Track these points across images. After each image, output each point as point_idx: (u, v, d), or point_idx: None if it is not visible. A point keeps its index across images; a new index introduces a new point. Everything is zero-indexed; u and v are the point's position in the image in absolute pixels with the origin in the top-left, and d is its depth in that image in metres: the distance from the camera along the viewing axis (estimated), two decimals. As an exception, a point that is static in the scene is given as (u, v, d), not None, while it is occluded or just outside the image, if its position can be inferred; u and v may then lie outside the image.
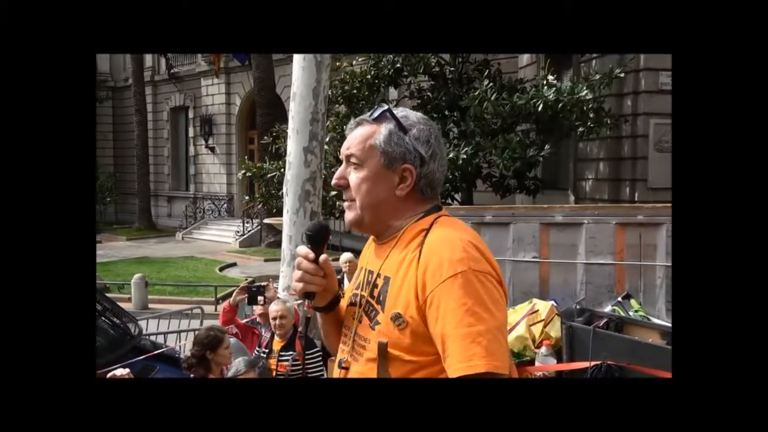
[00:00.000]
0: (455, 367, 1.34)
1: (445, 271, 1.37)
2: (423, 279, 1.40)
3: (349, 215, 1.57)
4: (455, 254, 1.39)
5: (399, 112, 1.56)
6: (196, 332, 4.27)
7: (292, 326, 4.64)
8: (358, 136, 1.54)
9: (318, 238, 1.58)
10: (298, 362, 4.53)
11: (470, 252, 1.40)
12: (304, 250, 1.57)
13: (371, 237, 1.64)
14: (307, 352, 4.48)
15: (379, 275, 1.52)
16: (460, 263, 1.38)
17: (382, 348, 1.44)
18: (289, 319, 4.59)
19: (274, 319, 4.57)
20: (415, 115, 1.57)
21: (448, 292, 1.36)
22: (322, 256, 1.56)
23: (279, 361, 4.51)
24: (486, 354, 1.32)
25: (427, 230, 1.48)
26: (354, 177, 1.54)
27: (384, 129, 1.52)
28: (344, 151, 1.57)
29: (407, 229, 1.52)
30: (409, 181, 1.52)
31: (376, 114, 1.55)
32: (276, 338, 4.60)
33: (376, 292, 1.51)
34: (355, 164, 1.54)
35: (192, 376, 3.94)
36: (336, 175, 1.58)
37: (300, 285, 1.56)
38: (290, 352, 4.55)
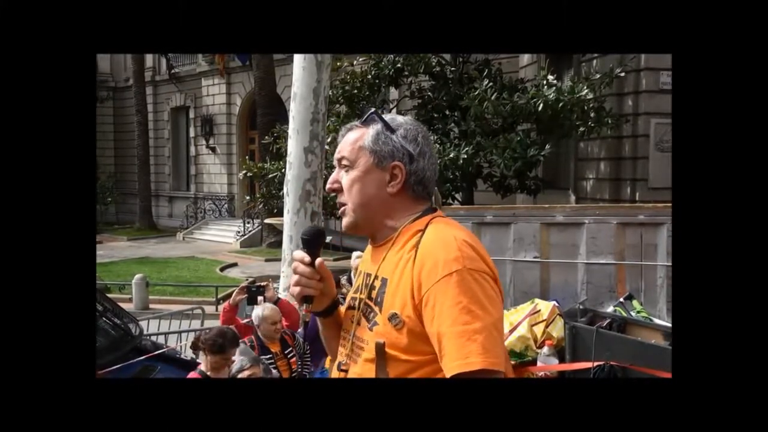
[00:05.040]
0: (451, 365, 1.35)
1: (441, 270, 1.39)
2: (419, 279, 1.42)
3: (344, 219, 1.60)
4: (450, 253, 1.40)
5: (387, 115, 1.61)
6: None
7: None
8: (348, 140, 1.59)
9: (314, 242, 1.60)
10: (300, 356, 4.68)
11: (465, 251, 1.41)
12: (299, 254, 1.58)
13: (369, 241, 1.65)
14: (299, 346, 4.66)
15: (376, 277, 1.54)
16: (455, 262, 1.39)
17: (380, 348, 1.45)
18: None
19: (274, 323, 4.59)
20: (402, 117, 1.62)
21: (444, 291, 1.38)
22: (318, 260, 1.57)
23: (289, 359, 4.58)
24: (482, 351, 1.33)
25: (423, 231, 1.49)
26: (346, 179, 1.57)
27: (372, 130, 1.57)
28: (336, 155, 1.61)
29: (402, 230, 1.54)
30: (399, 179, 1.54)
31: (364, 117, 1.60)
32: (267, 342, 4.60)
33: (373, 294, 1.53)
34: (346, 166, 1.58)
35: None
36: (330, 180, 1.62)
37: (297, 289, 1.58)
38: (289, 349, 4.62)
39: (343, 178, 1.58)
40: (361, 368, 1.51)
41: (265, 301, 5.06)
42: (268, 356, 4.48)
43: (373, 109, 1.61)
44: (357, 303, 1.58)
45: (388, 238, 1.56)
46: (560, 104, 8.78)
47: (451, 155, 9.13)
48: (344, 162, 1.57)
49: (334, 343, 1.69)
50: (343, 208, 1.58)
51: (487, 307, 1.37)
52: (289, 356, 4.61)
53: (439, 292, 1.38)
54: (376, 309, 1.50)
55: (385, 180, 1.54)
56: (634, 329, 4.87)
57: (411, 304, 1.42)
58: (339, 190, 1.59)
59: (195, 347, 4.67)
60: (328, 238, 9.21)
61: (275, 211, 12.11)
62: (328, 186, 1.62)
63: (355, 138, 1.57)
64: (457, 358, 1.34)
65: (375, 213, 1.56)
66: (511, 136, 9.28)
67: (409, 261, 1.45)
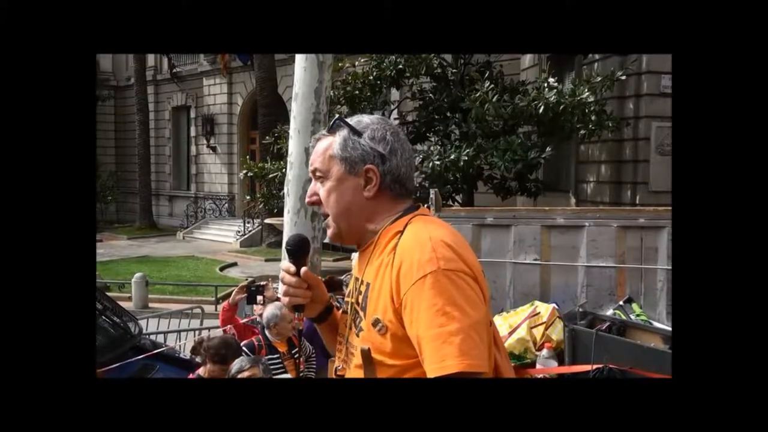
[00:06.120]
0: (429, 369, 1.33)
1: (415, 273, 1.37)
2: (397, 282, 1.40)
3: (328, 231, 1.59)
4: (424, 255, 1.38)
5: (352, 118, 1.58)
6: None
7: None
8: (318, 150, 1.57)
9: (298, 252, 1.60)
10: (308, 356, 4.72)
11: (440, 251, 1.38)
12: (285, 264, 1.59)
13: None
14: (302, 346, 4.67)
15: (362, 282, 1.53)
16: (429, 263, 1.36)
17: (365, 354, 1.44)
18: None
19: (290, 321, 4.61)
20: (369, 118, 1.59)
21: (419, 294, 1.35)
22: (303, 269, 1.57)
23: (296, 360, 4.59)
24: (459, 354, 1.30)
25: (402, 232, 1.47)
26: (322, 190, 1.55)
27: (338, 137, 1.54)
28: (310, 168, 1.59)
29: (382, 232, 1.52)
30: (374, 182, 1.52)
31: (330, 125, 1.58)
32: (275, 342, 4.61)
33: (360, 299, 1.52)
34: (320, 177, 1.56)
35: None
36: (308, 194, 1.60)
37: (287, 299, 1.58)
38: (296, 350, 4.64)
39: (320, 189, 1.56)
40: (353, 373, 1.51)
41: (264, 301, 5.07)
42: (276, 356, 4.49)
43: (337, 116, 1.59)
44: (349, 307, 1.58)
45: (370, 241, 1.54)
46: (561, 107, 8.78)
47: (452, 157, 9.13)
48: (318, 174, 1.55)
49: (332, 347, 1.69)
50: (326, 220, 1.57)
51: (465, 308, 1.34)
52: (296, 356, 4.62)
53: (415, 295, 1.36)
54: (362, 314, 1.49)
55: (361, 185, 1.52)
56: (633, 332, 4.86)
57: (392, 308, 1.41)
58: (318, 203, 1.57)
59: (196, 352, 4.59)
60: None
61: (275, 211, 12.13)
62: (307, 199, 1.60)
63: (324, 148, 1.55)
64: (434, 362, 1.32)
65: (356, 220, 1.54)
66: (512, 138, 9.28)
67: (388, 265, 1.43)
